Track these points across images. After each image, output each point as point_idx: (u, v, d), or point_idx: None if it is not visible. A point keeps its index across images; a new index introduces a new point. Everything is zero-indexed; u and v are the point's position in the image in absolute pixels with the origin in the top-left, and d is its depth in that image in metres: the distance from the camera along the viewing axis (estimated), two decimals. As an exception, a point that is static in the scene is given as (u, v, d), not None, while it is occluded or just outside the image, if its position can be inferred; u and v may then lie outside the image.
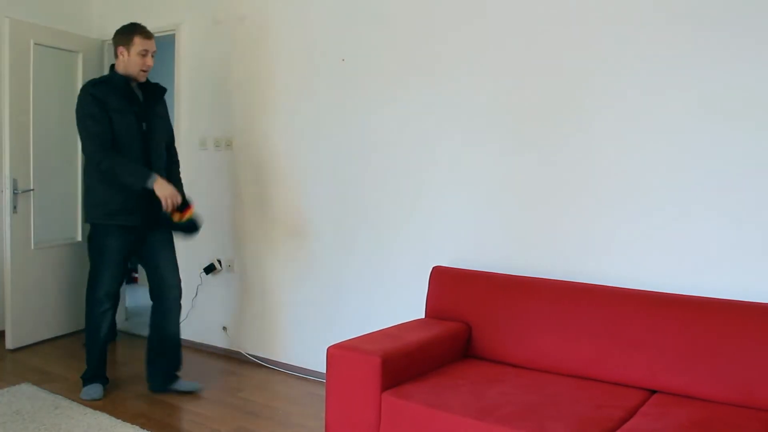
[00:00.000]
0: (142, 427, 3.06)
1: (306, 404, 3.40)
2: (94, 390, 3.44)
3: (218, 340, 4.33)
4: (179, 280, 3.56)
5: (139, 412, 3.26)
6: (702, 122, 2.63)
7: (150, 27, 4.61)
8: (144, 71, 3.37)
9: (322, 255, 3.79)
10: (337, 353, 2.59)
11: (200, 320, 4.42)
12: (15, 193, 4.21)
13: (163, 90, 3.53)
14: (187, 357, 4.24)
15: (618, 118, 2.82)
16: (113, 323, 3.73)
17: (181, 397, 3.50)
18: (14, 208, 4.22)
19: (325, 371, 2.68)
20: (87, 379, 3.50)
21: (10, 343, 4.23)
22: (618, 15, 2.80)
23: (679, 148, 2.68)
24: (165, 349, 3.54)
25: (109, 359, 4.14)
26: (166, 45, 5.11)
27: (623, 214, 2.82)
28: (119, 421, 3.11)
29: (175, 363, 3.57)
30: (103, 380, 3.55)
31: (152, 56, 3.40)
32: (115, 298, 3.54)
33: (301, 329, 3.90)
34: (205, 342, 4.40)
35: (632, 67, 2.77)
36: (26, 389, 3.51)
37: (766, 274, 2.51)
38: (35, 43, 4.29)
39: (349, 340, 2.73)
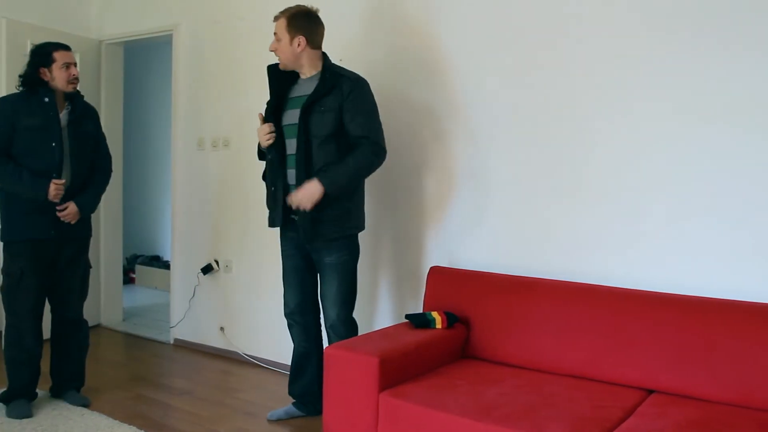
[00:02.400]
0: (140, 428, 3.05)
1: (304, 405, 3.40)
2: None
3: (215, 341, 4.33)
4: (339, 319, 3.04)
5: (137, 413, 3.26)
6: (699, 126, 2.63)
7: (147, 28, 4.66)
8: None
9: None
10: (334, 353, 2.59)
11: (197, 321, 4.42)
12: (12, 193, 4.19)
13: (326, 84, 2.91)
14: (184, 357, 4.24)
15: (618, 121, 2.82)
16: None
17: (178, 397, 3.50)
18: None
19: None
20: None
21: (7, 344, 4.21)
22: (615, 22, 2.81)
23: (677, 151, 2.69)
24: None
25: (109, 359, 4.15)
26: (163, 45, 5.12)
27: (621, 216, 2.82)
28: (116, 421, 3.11)
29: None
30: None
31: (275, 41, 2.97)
32: (299, 315, 3.15)
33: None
34: (203, 342, 4.40)
35: (631, 71, 2.78)
36: (23, 390, 3.50)
37: (763, 274, 2.52)
38: (32, 44, 4.25)
39: (348, 340, 2.73)
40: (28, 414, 3.13)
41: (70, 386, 3.38)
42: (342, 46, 3.61)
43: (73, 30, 4.72)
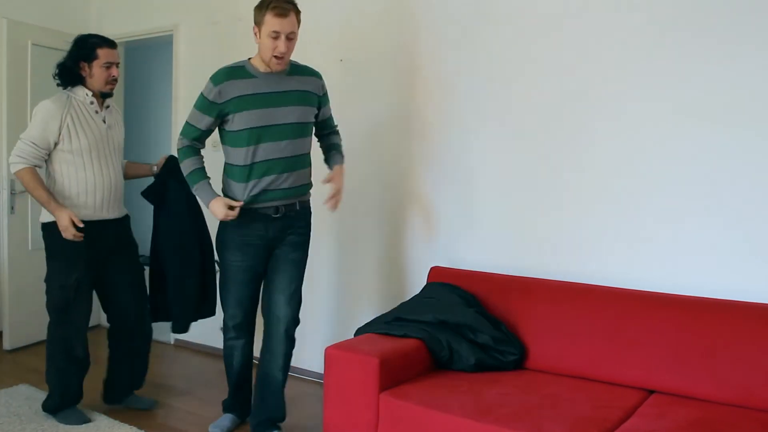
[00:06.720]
0: (140, 428, 3.06)
1: (304, 405, 3.40)
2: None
3: (216, 341, 4.31)
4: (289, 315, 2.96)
5: (137, 413, 3.26)
6: (698, 125, 2.63)
7: (147, 28, 4.66)
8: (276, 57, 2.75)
9: (319, 255, 3.79)
10: (335, 354, 2.59)
11: (198, 321, 4.40)
12: (12, 194, 4.21)
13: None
14: (185, 358, 4.24)
15: (617, 121, 2.82)
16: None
17: (179, 398, 3.50)
18: (11, 209, 4.21)
19: (323, 372, 2.67)
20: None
21: (8, 344, 4.22)
22: (613, 22, 2.81)
23: (676, 151, 2.69)
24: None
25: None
26: (163, 46, 5.12)
27: (621, 216, 2.82)
28: (116, 421, 3.11)
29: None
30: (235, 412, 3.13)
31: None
32: (250, 327, 3.03)
33: (298, 330, 3.89)
34: (204, 343, 4.40)
35: (630, 71, 2.78)
36: (24, 390, 3.50)
37: (762, 274, 2.52)
38: (33, 44, 4.29)
39: (348, 340, 2.73)
40: (86, 419, 3.06)
41: (129, 391, 3.30)
42: (334, 44, 3.61)
43: (73, 30, 4.67)
